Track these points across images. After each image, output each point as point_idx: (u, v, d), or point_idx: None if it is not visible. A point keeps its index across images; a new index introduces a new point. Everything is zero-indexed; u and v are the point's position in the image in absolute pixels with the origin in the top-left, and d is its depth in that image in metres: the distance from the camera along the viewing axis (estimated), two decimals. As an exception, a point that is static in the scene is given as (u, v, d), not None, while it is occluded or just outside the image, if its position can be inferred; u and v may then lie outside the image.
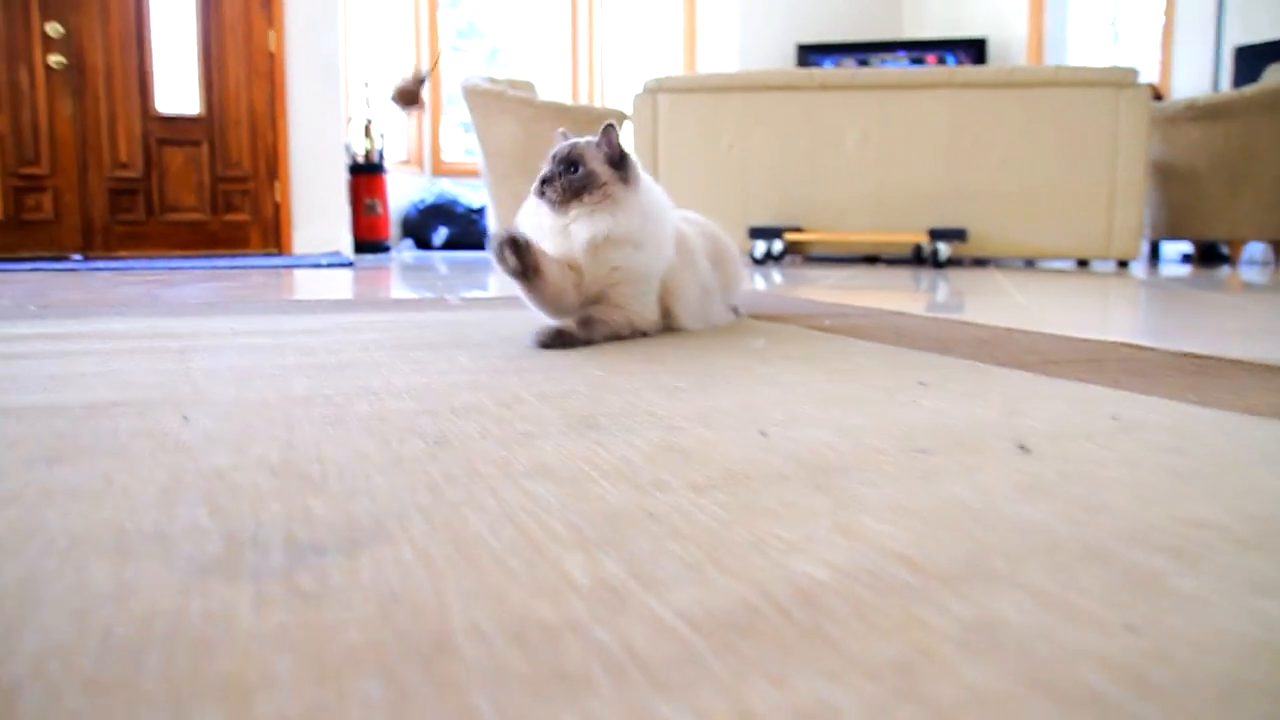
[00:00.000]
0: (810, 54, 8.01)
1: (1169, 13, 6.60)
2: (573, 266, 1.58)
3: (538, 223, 1.61)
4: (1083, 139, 4.91)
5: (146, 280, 3.66)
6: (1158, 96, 5.77)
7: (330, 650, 0.44)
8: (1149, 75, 5.88)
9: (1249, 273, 4.66)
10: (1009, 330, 1.83)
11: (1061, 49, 7.55)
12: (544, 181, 1.58)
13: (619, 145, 1.60)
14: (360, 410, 0.99)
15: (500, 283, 3.60)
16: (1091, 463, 0.80)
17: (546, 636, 0.45)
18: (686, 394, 1.09)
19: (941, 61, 7.75)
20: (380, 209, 6.89)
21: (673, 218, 1.73)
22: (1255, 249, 6.02)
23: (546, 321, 1.58)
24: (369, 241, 6.75)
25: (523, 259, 1.51)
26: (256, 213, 6.19)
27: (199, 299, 2.66)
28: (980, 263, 5.30)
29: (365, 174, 6.85)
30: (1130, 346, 1.59)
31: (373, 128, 7.01)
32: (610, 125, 1.58)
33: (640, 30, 8.70)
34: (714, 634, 0.46)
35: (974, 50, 7.76)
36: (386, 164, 7.05)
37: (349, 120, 6.70)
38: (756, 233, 5.04)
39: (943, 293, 3.24)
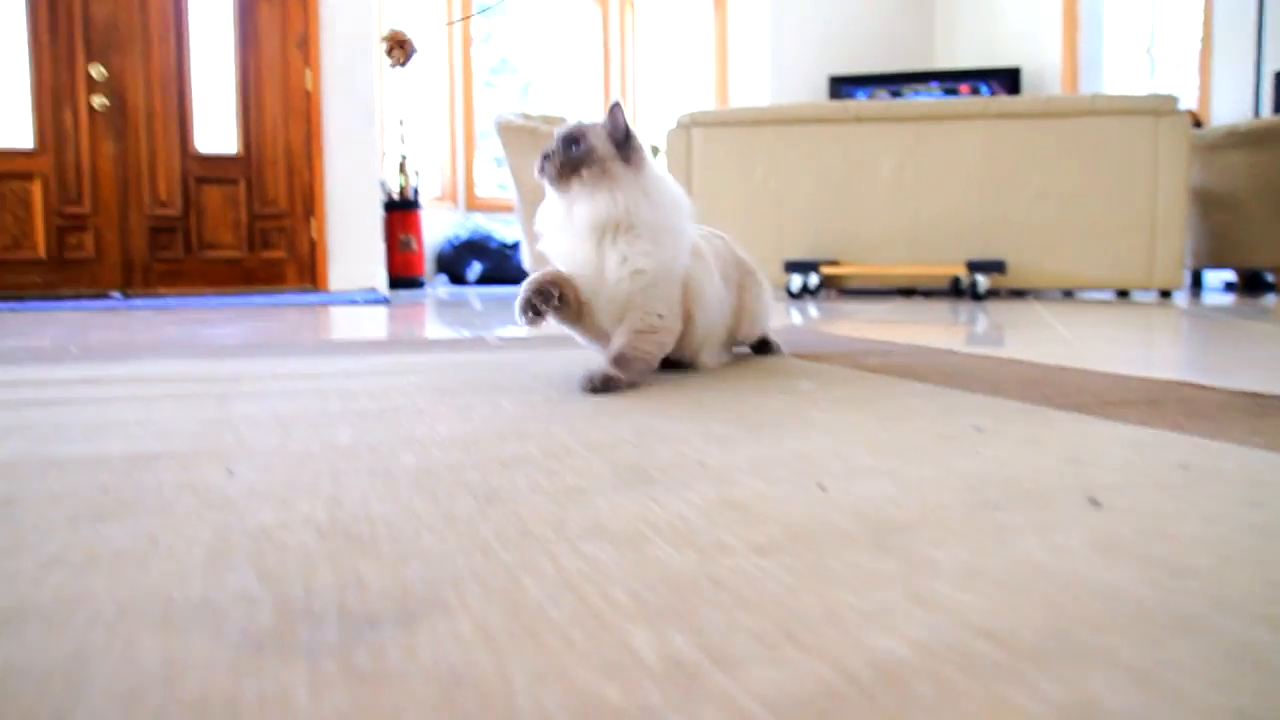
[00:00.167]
0: (842, 86, 8.01)
1: (1206, 39, 6.54)
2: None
3: (550, 217, 1.60)
4: (1122, 167, 4.86)
5: (185, 319, 3.69)
6: (1197, 123, 5.71)
7: (392, 741, 0.41)
8: (1187, 102, 5.82)
9: (1296, 302, 4.58)
10: (1060, 368, 1.79)
11: (1097, 77, 7.49)
12: (544, 158, 1.56)
13: (624, 123, 1.56)
14: (406, 462, 0.97)
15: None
16: (1167, 518, 0.77)
17: (618, 725, 0.43)
18: (737, 443, 1.07)
19: (975, 91, 7.72)
20: (415, 245, 6.93)
21: (687, 214, 1.64)
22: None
23: (588, 358, 1.57)
24: (404, 277, 6.79)
25: (549, 305, 1.52)
26: (293, 250, 6.24)
27: (237, 339, 2.67)
28: (1018, 294, 5.24)
29: (400, 210, 6.90)
30: (1188, 385, 1.54)
31: (407, 164, 7.07)
32: (616, 103, 1.56)
33: (672, 64, 8.74)
34: (796, 722, 0.43)
35: (1008, 80, 7.72)
36: (421, 200, 7.10)
37: (384, 157, 6.76)
38: (792, 266, 5.01)
39: (984, 327, 3.20)
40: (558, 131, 1.57)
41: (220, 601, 0.58)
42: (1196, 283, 5.99)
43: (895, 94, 7.89)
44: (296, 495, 0.83)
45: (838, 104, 5.27)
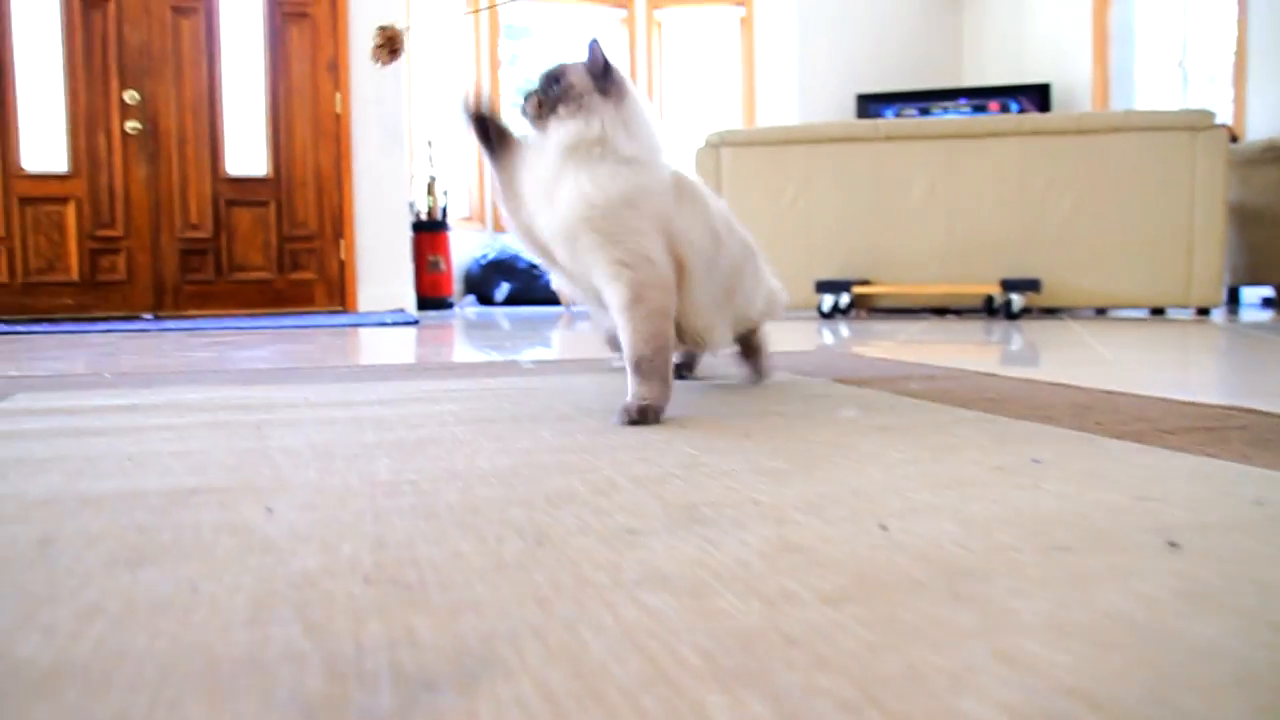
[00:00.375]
0: (870, 104, 7.98)
1: (1240, 52, 6.47)
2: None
3: (531, 162, 1.57)
4: (1158, 184, 4.79)
5: (216, 342, 3.69)
6: (1233, 138, 5.64)
7: (458, 828, 0.38)
8: (1221, 116, 5.75)
9: (1339, 319, 4.49)
10: (1108, 393, 1.74)
11: (1128, 92, 7.42)
12: (525, 96, 1.55)
13: (602, 57, 1.52)
14: (449, 499, 0.94)
15: (566, 342, 3.57)
16: (1253, 562, 0.73)
17: (701, 809, 0.40)
18: (789, 477, 1.03)
19: (1004, 108, 7.66)
20: (443, 266, 6.94)
21: (663, 150, 1.56)
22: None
23: (620, 386, 1.53)
24: (432, 298, 6.80)
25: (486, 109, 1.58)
26: (322, 271, 6.26)
27: (269, 363, 2.66)
28: (1050, 312, 5.17)
29: (428, 231, 6.92)
30: (1245, 411, 1.50)
31: (436, 185, 7.09)
32: (594, 40, 1.54)
33: (699, 84, 8.74)
34: (893, 807, 0.40)
35: (1037, 96, 7.66)
36: (449, 220, 7.12)
37: (412, 178, 6.78)
38: (823, 286, 4.97)
39: (1022, 347, 3.15)
40: (541, 70, 1.57)
41: (266, 660, 0.55)
42: (1233, 299, 5.90)
43: (923, 111, 7.84)
44: (339, 537, 0.81)
45: (868, 122, 5.23)
